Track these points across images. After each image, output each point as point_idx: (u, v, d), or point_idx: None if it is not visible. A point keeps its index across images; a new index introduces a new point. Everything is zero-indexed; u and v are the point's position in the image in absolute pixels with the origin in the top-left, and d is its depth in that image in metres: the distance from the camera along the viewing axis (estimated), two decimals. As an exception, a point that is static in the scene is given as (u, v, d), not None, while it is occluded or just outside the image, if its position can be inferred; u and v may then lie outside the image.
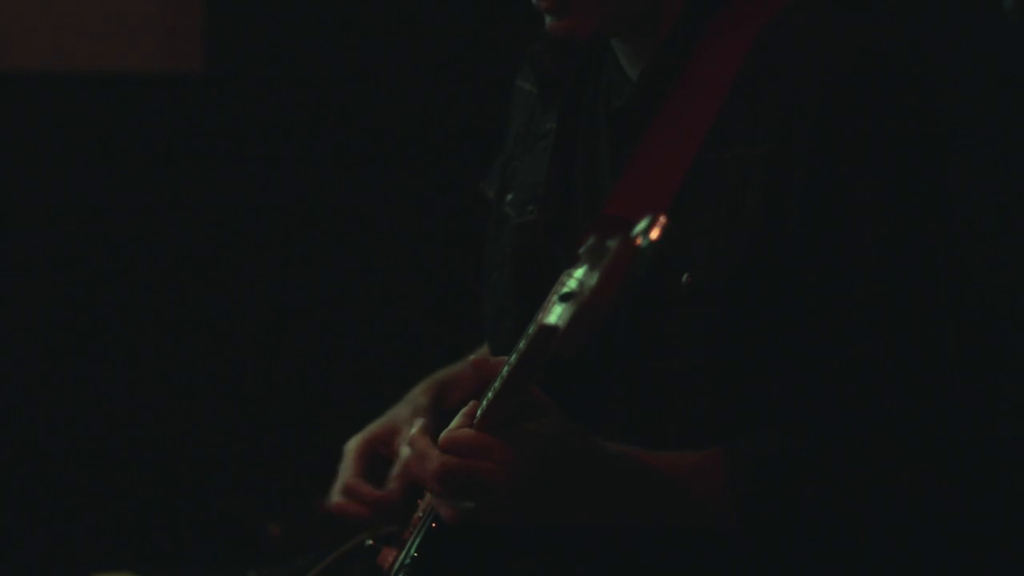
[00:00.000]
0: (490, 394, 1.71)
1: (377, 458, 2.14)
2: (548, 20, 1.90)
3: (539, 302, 1.75)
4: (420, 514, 1.92)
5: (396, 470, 2.10)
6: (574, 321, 1.46)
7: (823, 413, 1.79)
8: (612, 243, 1.44)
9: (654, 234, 1.44)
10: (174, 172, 3.49)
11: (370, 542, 2.02)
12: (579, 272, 1.48)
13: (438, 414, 2.15)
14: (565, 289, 1.50)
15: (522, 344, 1.64)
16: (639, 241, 1.44)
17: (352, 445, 2.15)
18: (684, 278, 1.80)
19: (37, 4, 3.36)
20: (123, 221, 3.48)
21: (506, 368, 1.68)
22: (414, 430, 1.79)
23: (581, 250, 1.50)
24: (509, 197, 2.08)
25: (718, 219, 1.81)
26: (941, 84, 1.82)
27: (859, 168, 1.77)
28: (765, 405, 1.81)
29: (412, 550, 1.85)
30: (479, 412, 1.73)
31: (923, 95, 1.81)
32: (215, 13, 3.44)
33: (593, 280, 1.45)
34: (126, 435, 3.49)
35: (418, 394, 2.21)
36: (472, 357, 1.79)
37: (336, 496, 2.11)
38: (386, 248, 3.59)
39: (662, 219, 1.45)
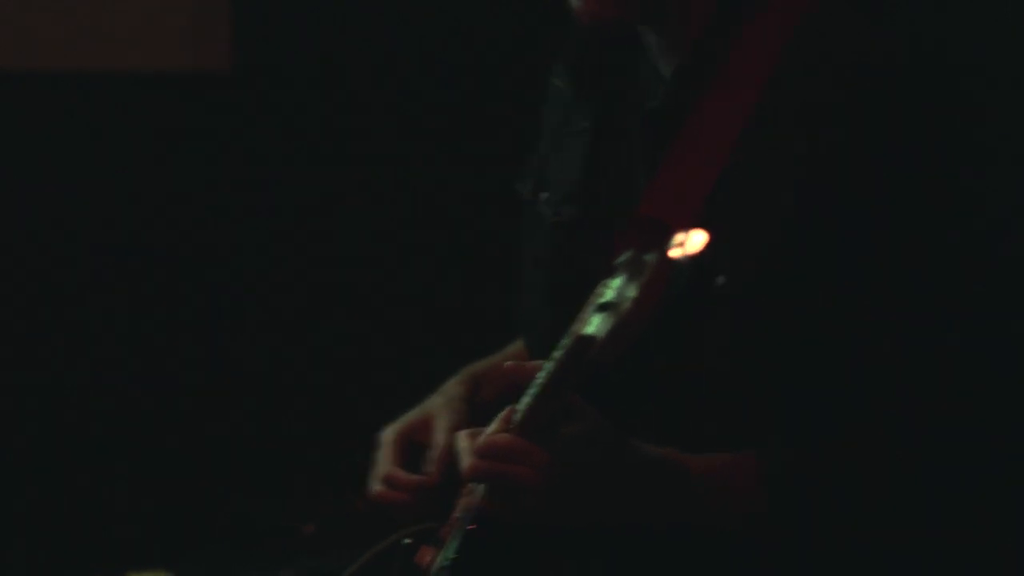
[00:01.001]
0: (527, 399, 1.71)
1: (412, 447, 2.15)
2: (575, 2, 1.91)
3: (574, 301, 1.75)
4: (458, 515, 1.92)
5: (434, 453, 2.11)
6: (612, 333, 1.46)
7: (846, 414, 1.79)
8: (650, 258, 1.44)
9: (692, 249, 1.43)
10: (203, 171, 3.49)
11: (407, 541, 2.03)
12: (616, 283, 1.48)
13: (473, 407, 2.16)
14: (602, 299, 1.50)
15: (558, 353, 1.65)
16: (677, 256, 1.44)
17: (388, 435, 2.15)
18: (719, 281, 1.80)
19: (65, 4, 3.37)
20: (151, 220, 3.49)
21: (542, 375, 1.68)
22: (459, 431, 1.80)
23: (617, 261, 1.50)
24: (544, 196, 2.08)
25: (752, 221, 1.81)
26: (975, 89, 1.82)
27: (891, 172, 1.77)
28: (797, 407, 1.81)
29: (451, 552, 1.86)
30: (516, 417, 1.73)
31: (957, 100, 1.81)
32: (243, 12, 3.45)
33: (632, 292, 1.44)
34: (162, 433, 3.50)
35: (452, 385, 2.21)
36: (507, 363, 1.79)
37: (376, 485, 2.12)
38: (418, 245, 3.59)
39: (700, 233, 1.44)
